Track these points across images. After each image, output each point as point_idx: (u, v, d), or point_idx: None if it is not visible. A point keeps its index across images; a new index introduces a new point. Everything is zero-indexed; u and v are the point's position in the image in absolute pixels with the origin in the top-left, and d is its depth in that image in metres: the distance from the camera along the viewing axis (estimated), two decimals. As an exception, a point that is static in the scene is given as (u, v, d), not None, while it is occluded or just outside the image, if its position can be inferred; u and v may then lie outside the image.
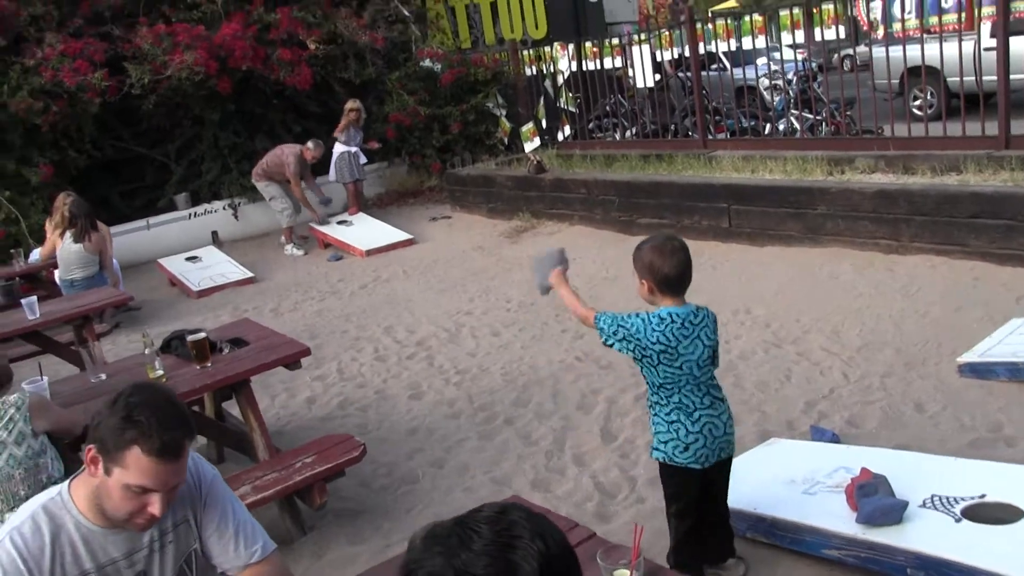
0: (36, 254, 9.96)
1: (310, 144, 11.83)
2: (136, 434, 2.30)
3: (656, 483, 4.56)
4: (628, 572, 2.28)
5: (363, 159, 12.82)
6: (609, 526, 4.18)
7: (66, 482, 2.51)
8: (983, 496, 3.57)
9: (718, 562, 3.70)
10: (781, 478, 3.84)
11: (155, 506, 2.38)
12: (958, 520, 3.45)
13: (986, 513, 3.46)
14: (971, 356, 5.35)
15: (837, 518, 3.60)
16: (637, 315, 3.43)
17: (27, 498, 3.68)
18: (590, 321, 3.56)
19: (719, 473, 3.60)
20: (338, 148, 12.51)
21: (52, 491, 2.51)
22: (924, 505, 3.59)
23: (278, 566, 2.76)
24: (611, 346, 3.48)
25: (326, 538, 4.59)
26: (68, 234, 9.08)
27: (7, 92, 11.17)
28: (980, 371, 5.22)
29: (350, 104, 12.54)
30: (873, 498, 3.53)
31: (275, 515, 4.57)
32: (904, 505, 3.51)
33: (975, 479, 3.72)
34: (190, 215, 13.04)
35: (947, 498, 3.60)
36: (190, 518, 2.65)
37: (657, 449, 3.54)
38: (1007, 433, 4.59)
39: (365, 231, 12.08)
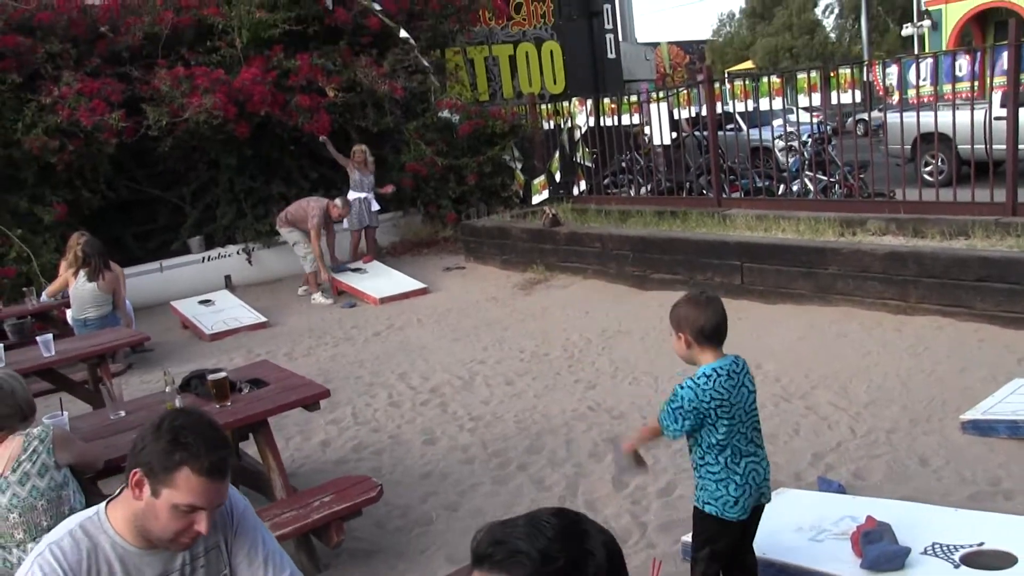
0: (45, 296, 10.04)
1: (338, 201, 11.85)
2: (186, 456, 2.42)
3: (667, 529, 4.68)
4: (646, 606, 2.35)
5: (375, 206, 12.92)
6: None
7: (103, 504, 2.59)
8: (981, 544, 3.72)
9: None
10: (789, 526, 3.93)
11: (202, 524, 2.48)
12: (957, 566, 3.59)
13: (984, 560, 3.60)
14: (974, 414, 5.50)
15: (843, 564, 3.70)
16: (682, 387, 3.46)
17: (49, 529, 3.75)
18: (658, 429, 3.58)
19: (755, 518, 3.67)
20: (349, 195, 12.61)
21: (88, 512, 2.59)
22: (925, 552, 3.72)
23: None
24: (680, 434, 3.49)
25: (341, 576, 4.66)
26: (82, 273, 9.12)
27: (22, 129, 11.23)
28: (982, 428, 5.36)
29: (356, 147, 12.67)
30: (877, 544, 3.65)
31: (291, 552, 4.62)
32: (907, 552, 3.63)
33: (974, 529, 3.88)
34: (204, 259, 13.12)
35: (947, 546, 3.74)
36: (221, 544, 2.73)
37: (709, 504, 3.55)
38: (1006, 487, 4.72)
39: (379, 279, 12.19)
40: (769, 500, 3.68)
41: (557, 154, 13.18)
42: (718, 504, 3.52)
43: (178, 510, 2.45)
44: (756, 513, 3.67)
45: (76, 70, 11.80)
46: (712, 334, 3.48)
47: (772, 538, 4.03)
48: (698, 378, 3.45)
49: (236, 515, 2.78)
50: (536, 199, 12.79)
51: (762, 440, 3.63)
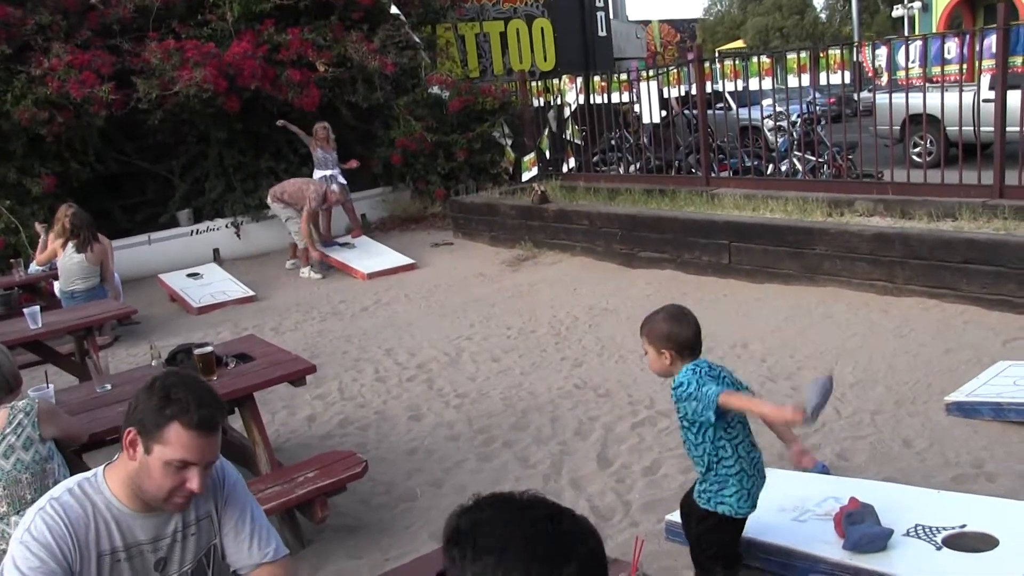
0: (34, 266, 10.03)
1: (335, 187, 11.87)
2: (176, 410, 2.48)
3: (651, 508, 4.71)
4: (627, 584, 2.37)
5: (342, 180, 12.83)
6: (604, 547, 4.26)
7: (101, 467, 2.65)
8: (963, 526, 3.74)
9: None
10: (772, 506, 3.94)
11: (194, 481, 2.53)
12: (939, 548, 3.61)
13: (966, 543, 3.63)
14: (958, 396, 5.53)
15: (825, 544, 3.72)
16: (687, 382, 3.47)
17: (32, 503, 3.74)
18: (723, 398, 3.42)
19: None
20: (315, 174, 12.57)
21: (87, 473, 2.65)
22: (908, 534, 3.74)
23: (288, 570, 2.87)
24: (722, 389, 3.42)
25: (325, 552, 4.67)
26: (70, 245, 9.12)
27: (11, 101, 11.20)
28: (966, 410, 5.39)
29: (318, 124, 12.60)
30: (860, 526, 3.67)
31: (276, 528, 4.64)
32: (889, 533, 3.66)
33: (957, 511, 3.90)
34: (192, 232, 13.13)
35: (930, 528, 3.76)
36: (212, 513, 2.78)
37: (722, 504, 3.54)
38: (988, 469, 4.75)
39: (367, 254, 12.19)
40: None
41: (547, 131, 13.17)
42: (731, 501, 3.53)
43: (170, 467, 2.50)
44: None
45: (66, 42, 11.75)
46: (696, 346, 3.56)
47: (755, 518, 4.04)
48: (695, 374, 3.48)
49: (227, 486, 2.82)
50: (526, 176, 12.79)
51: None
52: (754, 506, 3.58)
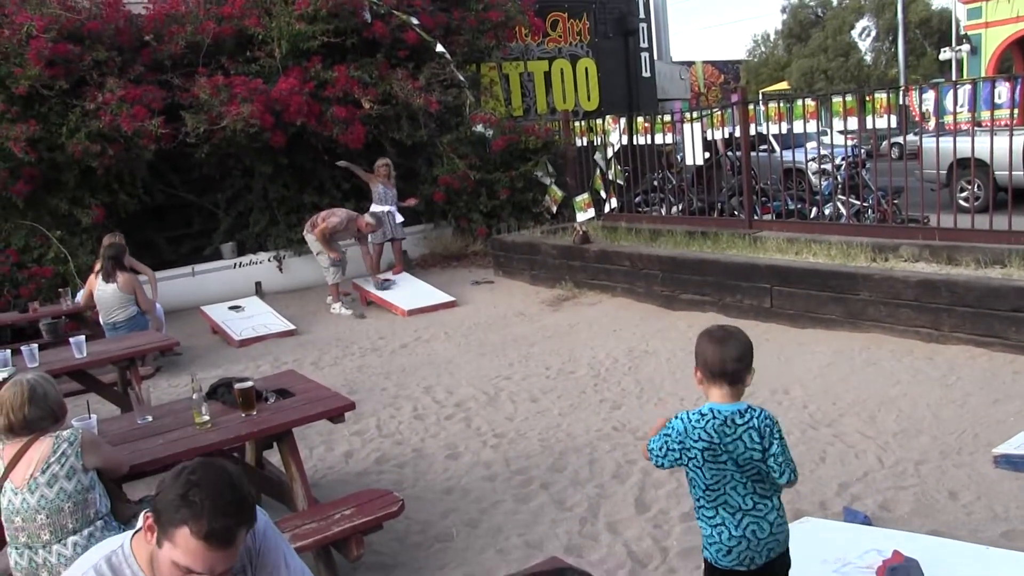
0: (80, 296, 10.18)
1: (368, 217, 11.97)
2: (188, 515, 2.31)
3: (688, 554, 4.65)
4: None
5: (399, 218, 12.96)
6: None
7: (128, 536, 2.54)
8: (1017, 587, 3.61)
9: None
10: (814, 557, 3.88)
11: None
12: (988, 608, 3.49)
13: None
14: (1007, 448, 5.39)
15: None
16: (677, 417, 3.33)
17: (75, 531, 3.78)
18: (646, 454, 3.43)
19: (771, 571, 3.45)
20: (373, 208, 12.69)
21: (114, 543, 2.55)
22: (957, 592, 3.62)
23: None
24: (664, 464, 3.35)
25: (359, 590, 4.65)
26: (100, 276, 9.33)
27: (66, 134, 11.40)
28: (1015, 463, 5.25)
29: (379, 161, 12.76)
30: (905, 582, 3.59)
31: (310, 564, 4.62)
32: None
33: (1006, 569, 3.80)
34: (235, 264, 13.26)
35: (981, 587, 3.63)
36: (247, 567, 2.67)
37: (705, 549, 3.43)
38: (1040, 526, 4.62)
39: (407, 291, 12.23)
40: (782, 551, 3.44)
41: (598, 172, 13.15)
42: (711, 550, 3.38)
43: (177, 567, 2.37)
44: (772, 566, 3.43)
45: (120, 77, 11.95)
46: (718, 372, 3.27)
47: (795, 569, 3.97)
48: (693, 414, 3.30)
49: (258, 537, 2.70)
50: (581, 217, 12.74)
51: (766, 496, 3.34)
52: (744, 565, 3.33)
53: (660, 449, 3.33)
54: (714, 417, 3.24)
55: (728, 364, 3.24)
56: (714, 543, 3.35)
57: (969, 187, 13.42)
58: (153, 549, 2.40)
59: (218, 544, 2.32)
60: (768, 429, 3.28)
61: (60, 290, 10.52)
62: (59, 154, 11.53)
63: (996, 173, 10.30)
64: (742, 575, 3.38)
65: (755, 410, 3.29)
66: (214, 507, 2.31)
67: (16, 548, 3.79)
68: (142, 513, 2.49)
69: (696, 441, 3.23)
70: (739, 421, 3.24)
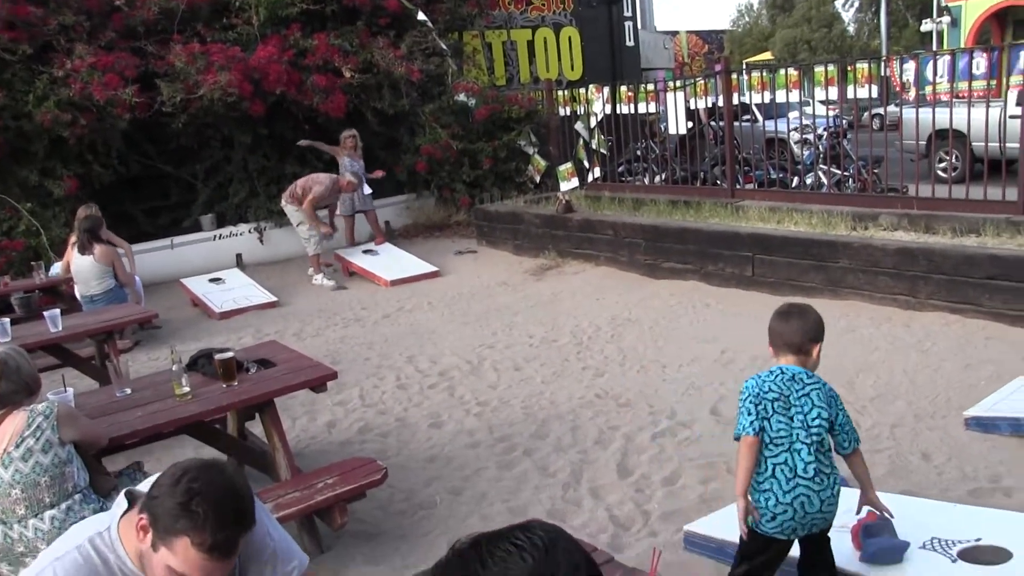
0: (56, 268, 10.07)
1: (348, 175, 11.92)
2: (189, 525, 2.23)
3: (670, 518, 4.70)
4: (643, 596, 2.37)
5: (367, 189, 12.87)
6: (621, 556, 4.26)
7: (115, 519, 2.47)
8: (979, 540, 3.76)
9: None
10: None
11: None
12: (954, 561, 3.64)
13: (980, 556, 3.64)
14: (977, 411, 5.53)
15: (842, 556, 3.70)
16: (747, 382, 3.53)
17: (52, 505, 3.73)
18: (742, 447, 3.46)
19: (812, 543, 3.55)
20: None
21: (99, 524, 2.48)
22: (924, 547, 3.76)
23: None
24: (747, 430, 3.41)
25: (344, 558, 4.67)
26: (75, 247, 9.24)
27: (33, 102, 11.18)
28: (985, 425, 5.39)
29: (346, 132, 12.61)
30: (877, 539, 3.68)
31: (294, 533, 4.65)
32: (905, 546, 3.67)
33: (972, 524, 3.93)
34: (215, 236, 13.17)
35: (946, 541, 3.78)
36: None
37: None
38: (1006, 484, 4.74)
39: (390, 261, 12.21)
40: (826, 529, 3.52)
41: (581, 142, 13.12)
42: (759, 512, 3.42)
43: (172, 572, 2.30)
44: (815, 540, 3.53)
45: (89, 43, 11.72)
46: (788, 343, 3.56)
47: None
48: (763, 372, 3.52)
49: None
50: (565, 186, 12.71)
51: (825, 468, 3.42)
52: (785, 534, 3.41)
53: (742, 416, 3.44)
54: (782, 373, 3.48)
55: (795, 337, 3.55)
56: (759, 506, 3.42)
57: (947, 158, 13.49)
58: (146, 549, 2.33)
59: (220, 555, 2.28)
60: (833, 399, 3.51)
61: (33, 263, 10.26)
62: (26, 123, 11.27)
63: (973, 144, 10.33)
64: (775, 545, 3.47)
65: (821, 379, 3.53)
66: (217, 519, 2.24)
67: (-10, 523, 3.76)
68: (134, 513, 2.40)
69: (767, 392, 3.42)
70: (806, 379, 3.48)
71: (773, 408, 3.39)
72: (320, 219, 11.91)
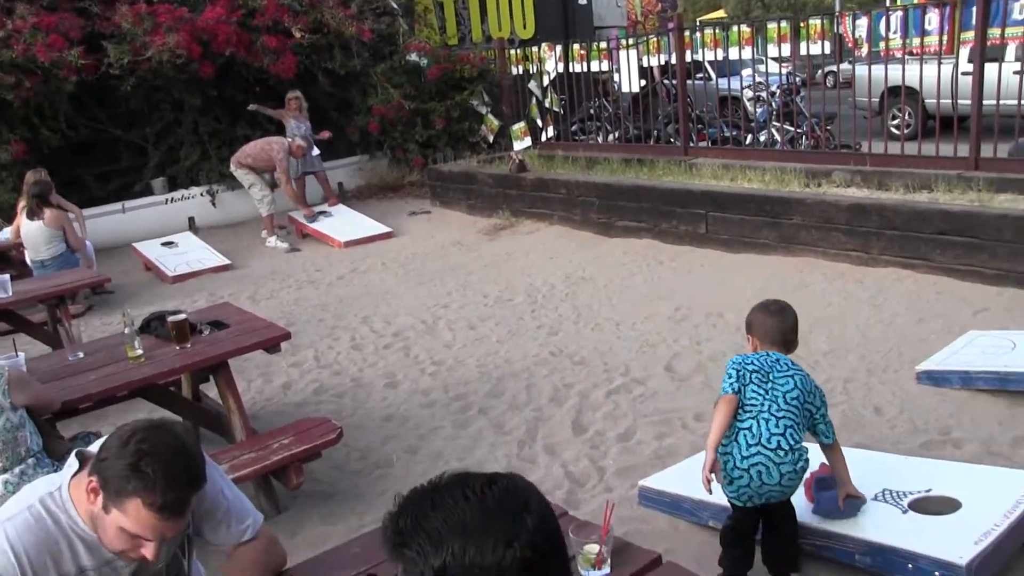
0: (5, 233, 9.92)
1: (297, 139, 11.77)
2: (140, 486, 2.22)
3: (625, 474, 4.75)
4: (598, 547, 2.38)
5: (315, 151, 12.70)
6: (577, 512, 4.28)
7: (66, 479, 2.43)
8: (929, 491, 3.81)
9: None
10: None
11: (149, 551, 2.33)
12: (905, 512, 3.69)
13: (930, 506, 3.70)
14: (928, 365, 5.60)
15: (796, 508, 3.74)
16: (728, 367, 3.61)
17: (5, 470, 3.73)
18: (722, 405, 3.52)
19: (770, 517, 3.60)
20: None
21: (50, 485, 2.44)
22: (876, 498, 3.81)
23: (267, 540, 2.72)
24: (728, 389, 3.51)
25: (300, 517, 4.66)
26: (24, 213, 9.12)
27: None
28: (936, 379, 5.46)
29: (290, 94, 12.43)
30: (830, 491, 3.71)
31: (250, 494, 4.63)
32: (862, 502, 3.70)
33: (923, 476, 3.98)
34: (167, 200, 12.98)
35: (897, 492, 3.84)
36: None
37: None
38: (955, 436, 4.82)
39: (344, 223, 12.12)
40: (783, 501, 3.55)
41: (534, 100, 13.07)
42: (722, 474, 3.49)
43: (125, 532, 2.29)
44: (773, 517, 3.59)
45: (31, 3, 11.46)
46: (776, 339, 3.67)
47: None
48: (750, 354, 3.63)
49: None
50: (518, 146, 12.67)
51: (790, 446, 3.41)
52: (741, 500, 3.48)
53: (725, 383, 3.54)
54: (768, 355, 3.61)
55: (787, 334, 3.70)
56: (723, 468, 3.49)
57: (900, 115, 13.59)
58: (97, 511, 2.31)
59: (171, 515, 2.27)
60: (818, 390, 3.62)
61: (-20, 229, 10.17)
62: None
63: (926, 101, 10.42)
64: (739, 509, 3.56)
65: (803, 371, 3.62)
66: (167, 478, 2.23)
67: (-54, 486, 3.74)
68: (84, 475, 2.37)
69: (749, 364, 3.55)
70: (792, 366, 3.60)
71: (751, 378, 3.51)
72: (303, 200, 12.00)
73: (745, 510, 3.53)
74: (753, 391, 3.48)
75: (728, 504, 3.61)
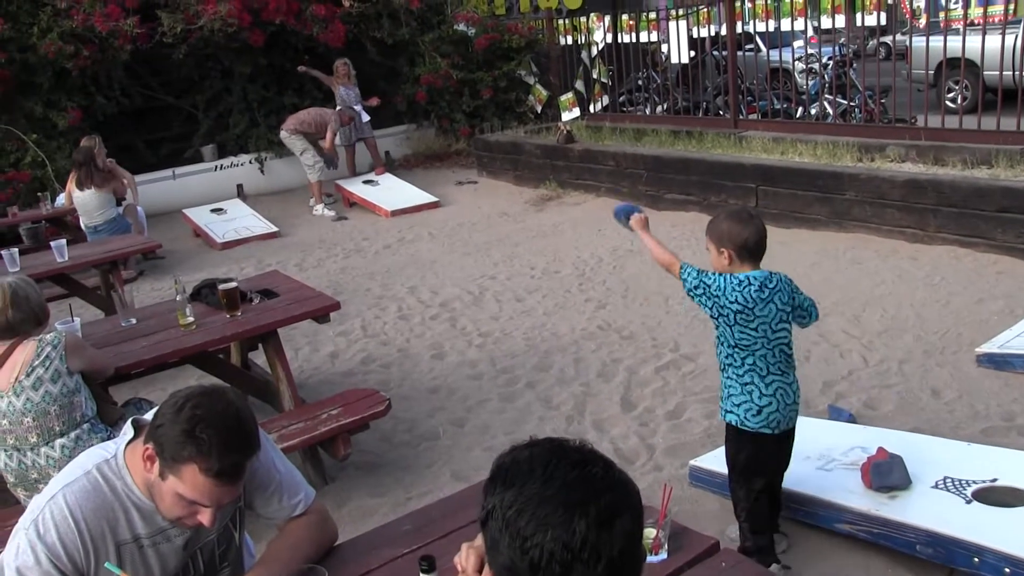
0: (60, 199, 10.06)
1: (347, 109, 11.94)
2: (196, 452, 2.23)
3: (674, 452, 4.69)
4: (655, 531, 2.35)
5: (365, 117, 12.74)
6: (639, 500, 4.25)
7: (121, 446, 2.44)
8: (994, 480, 3.67)
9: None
10: (798, 454, 3.87)
11: (205, 517, 2.34)
12: (968, 502, 3.56)
13: (996, 496, 3.57)
14: (989, 347, 5.43)
15: (851, 494, 3.68)
16: (719, 274, 3.53)
17: (62, 434, 3.79)
18: (674, 269, 3.65)
19: (786, 441, 3.67)
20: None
21: (106, 451, 2.45)
22: (936, 486, 3.68)
23: (318, 515, 2.71)
24: (693, 299, 3.58)
25: (347, 489, 4.68)
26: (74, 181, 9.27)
27: (37, 34, 11.14)
28: (997, 362, 5.29)
29: (338, 61, 12.48)
30: (888, 476, 3.63)
31: (298, 464, 4.65)
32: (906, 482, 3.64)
33: (987, 464, 3.83)
34: (216, 167, 13.07)
35: (959, 480, 3.70)
36: None
37: (730, 412, 3.59)
38: (1020, 423, 4.67)
39: (390, 192, 12.12)
40: (794, 425, 3.66)
41: (582, 70, 12.96)
42: (739, 411, 3.53)
43: (182, 499, 2.30)
44: (789, 437, 3.67)
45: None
46: (755, 249, 3.53)
47: (780, 467, 4.03)
48: (732, 278, 3.50)
49: None
50: (566, 116, 12.58)
51: (789, 366, 3.60)
52: (771, 428, 3.52)
53: (694, 283, 3.54)
54: (750, 283, 3.48)
55: (763, 241, 3.56)
56: (743, 403, 3.53)
57: (956, 87, 13.31)
58: (154, 479, 2.31)
59: (227, 480, 2.28)
60: (789, 285, 3.62)
61: (39, 194, 10.34)
62: (31, 55, 11.26)
63: (985, 73, 10.17)
64: (767, 439, 3.54)
65: (776, 273, 3.60)
66: (222, 444, 2.24)
67: (5, 450, 3.80)
68: (140, 443, 2.37)
69: (732, 303, 3.46)
70: (770, 285, 3.52)
71: (735, 319, 3.48)
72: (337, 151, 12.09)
73: (768, 439, 3.55)
74: (740, 331, 3.49)
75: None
